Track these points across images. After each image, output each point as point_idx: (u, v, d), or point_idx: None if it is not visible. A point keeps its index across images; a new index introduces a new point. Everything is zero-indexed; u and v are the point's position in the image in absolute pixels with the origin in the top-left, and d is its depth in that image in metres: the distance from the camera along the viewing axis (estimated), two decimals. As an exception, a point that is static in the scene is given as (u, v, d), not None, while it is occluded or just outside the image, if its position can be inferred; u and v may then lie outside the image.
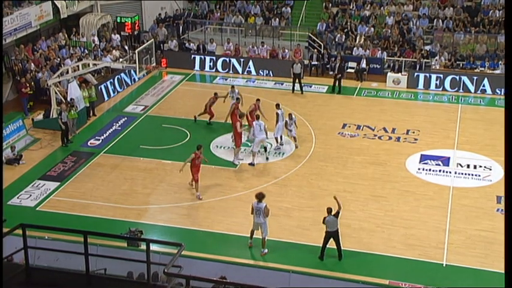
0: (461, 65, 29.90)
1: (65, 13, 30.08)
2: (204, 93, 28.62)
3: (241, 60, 31.30)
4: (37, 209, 19.13)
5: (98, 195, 19.80)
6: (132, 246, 15.69)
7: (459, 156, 22.34)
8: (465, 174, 21.22)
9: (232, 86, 25.63)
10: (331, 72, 29.44)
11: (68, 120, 23.57)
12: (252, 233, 17.00)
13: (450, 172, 21.32)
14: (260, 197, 16.50)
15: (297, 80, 28.44)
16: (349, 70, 30.16)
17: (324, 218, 16.21)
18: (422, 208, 19.08)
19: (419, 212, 18.84)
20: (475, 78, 28.54)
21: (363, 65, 30.12)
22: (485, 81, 28.34)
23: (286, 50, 31.60)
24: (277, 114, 22.67)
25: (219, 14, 35.01)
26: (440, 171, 21.41)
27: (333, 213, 16.12)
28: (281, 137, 22.77)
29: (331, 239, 16.34)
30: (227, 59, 31.44)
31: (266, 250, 16.86)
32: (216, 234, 17.78)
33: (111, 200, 19.57)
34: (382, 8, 33.83)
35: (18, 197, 19.65)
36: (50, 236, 15.23)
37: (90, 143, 23.53)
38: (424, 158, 22.23)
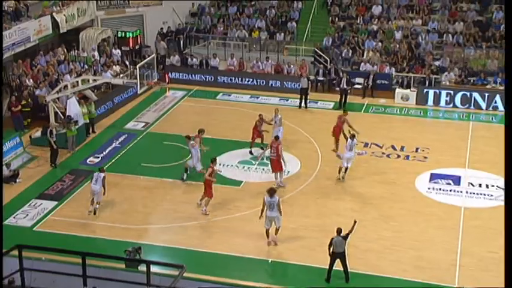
0: (472, 81, 29.92)
1: (64, 28, 30.29)
2: (206, 109, 28.78)
3: (245, 75, 31.41)
4: (34, 229, 19.11)
5: (96, 215, 19.77)
6: (132, 268, 15.62)
7: (470, 175, 22.27)
8: (477, 193, 21.15)
9: (276, 109, 24.70)
10: (337, 88, 29.50)
11: (68, 137, 23.70)
12: (267, 232, 17.75)
13: (461, 192, 21.25)
14: (272, 192, 17.39)
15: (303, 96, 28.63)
16: (356, 86, 30.23)
17: (332, 238, 16.18)
18: (433, 229, 19.00)
19: (429, 233, 18.76)
20: (486, 94, 28.55)
21: (371, 81, 30.17)
22: (497, 98, 28.34)
23: (292, 65, 31.71)
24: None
25: (222, 28, 35.19)
26: (451, 190, 21.34)
27: (342, 234, 16.10)
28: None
29: (338, 261, 16.29)
30: (231, 75, 31.55)
31: (277, 242, 17.91)
32: (219, 256, 17.71)
33: (110, 219, 19.55)
34: (390, 22, 33.96)
35: (14, 217, 19.62)
36: (47, 257, 15.20)
37: (90, 161, 23.56)
38: (434, 177, 22.17)
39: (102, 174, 19.74)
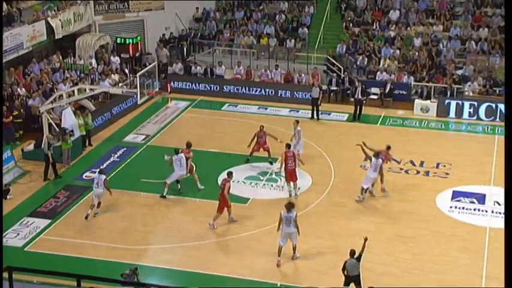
0: (497, 91, 29.84)
1: (60, 33, 30.47)
2: (211, 121, 28.83)
3: (253, 85, 31.47)
4: (25, 249, 19.10)
5: (92, 234, 19.78)
6: (130, 292, 15.59)
7: (496, 193, 22.13)
8: (503, 213, 21.00)
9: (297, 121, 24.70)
10: (352, 99, 29.51)
11: (63, 151, 23.77)
12: (280, 249, 17.72)
13: (486, 211, 21.17)
14: (290, 206, 17.67)
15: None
16: (372, 96, 30.23)
17: (345, 261, 16.10)
18: (455, 251, 18.90)
19: (451, 256, 18.66)
20: (513, 106, 28.44)
21: (388, 91, 30.15)
22: (525, 110, 28.24)
23: (303, 74, 31.76)
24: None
25: (228, 34, 35.32)
26: (475, 209, 21.26)
27: (355, 256, 16.04)
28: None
29: (352, 285, 16.19)
30: (237, 84, 31.62)
31: (299, 254, 18.11)
32: (224, 278, 17.64)
33: (108, 239, 19.54)
34: (408, 28, 34.00)
35: (4, 236, 19.61)
36: (39, 279, 15.19)
37: (86, 176, 23.59)
38: (456, 195, 22.10)
39: (103, 177, 20.44)
